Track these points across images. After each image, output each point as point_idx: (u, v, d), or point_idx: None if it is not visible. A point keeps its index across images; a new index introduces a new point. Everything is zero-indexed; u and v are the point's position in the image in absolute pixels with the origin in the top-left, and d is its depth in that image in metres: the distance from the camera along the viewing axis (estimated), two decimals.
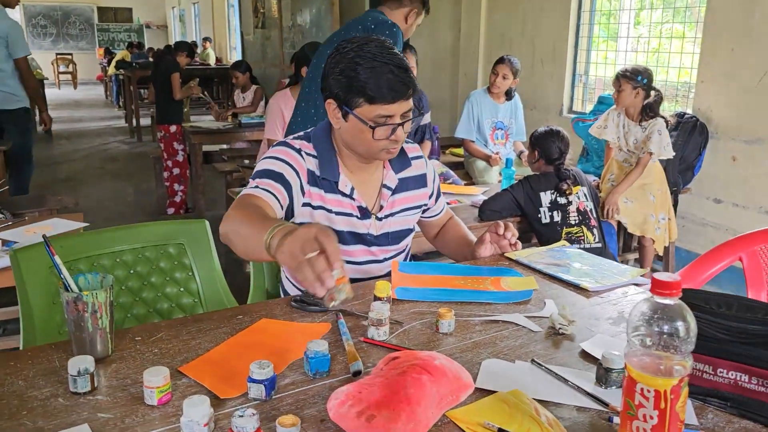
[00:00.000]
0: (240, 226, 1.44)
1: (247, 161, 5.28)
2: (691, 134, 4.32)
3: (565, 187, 3.46)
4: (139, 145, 10.07)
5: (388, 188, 1.89)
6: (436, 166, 4.63)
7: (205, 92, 7.73)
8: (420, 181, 1.98)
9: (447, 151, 5.70)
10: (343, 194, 1.81)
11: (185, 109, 7.22)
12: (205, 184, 6.02)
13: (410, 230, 1.98)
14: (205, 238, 1.97)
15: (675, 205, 4.35)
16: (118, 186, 7.49)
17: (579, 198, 3.53)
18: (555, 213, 3.46)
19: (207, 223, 1.98)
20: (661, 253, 4.28)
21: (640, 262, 4.24)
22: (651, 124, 3.94)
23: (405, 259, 1.98)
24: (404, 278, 1.76)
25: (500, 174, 4.74)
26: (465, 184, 4.60)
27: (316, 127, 1.88)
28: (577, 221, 3.49)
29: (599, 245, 3.52)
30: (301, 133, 1.86)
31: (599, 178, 4.48)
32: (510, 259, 1.95)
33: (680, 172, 4.35)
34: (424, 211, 2.05)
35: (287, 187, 1.72)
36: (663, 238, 4.12)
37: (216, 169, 5.75)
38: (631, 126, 4.02)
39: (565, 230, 3.46)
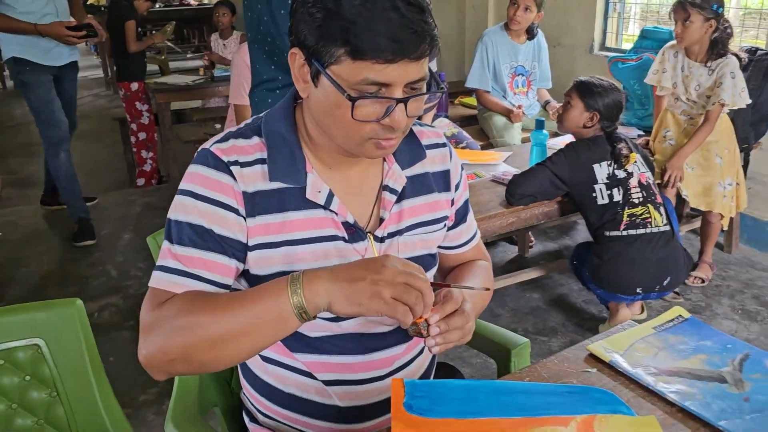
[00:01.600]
0: (210, 322, 0.97)
1: (218, 125, 4.43)
2: (766, 76, 3.43)
3: (624, 154, 2.62)
4: (116, 99, 9.15)
5: (392, 191, 1.17)
6: (445, 126, 3.79)
7: (174, 39, 6.69)
8: (441, 181, 1.26)
9: (456, 101, 4.82)
10: (315, 206, 1.10)
11: (161, 57, 6.29)
12: (177, 150, 5.17)
13: (432, 258, 1.23)
14: (77, 330, 1.16)
15: (745, 166, 3.50)
16: (86, 150, 6.63)
17: (638, 168, 2.70)
18: (615, 191, 2.63)
19: (80, 304, 1.17)
20: (726, 227, 3.46)
21: (702, 242, 3.43)
22: (720, 64, 3.06)
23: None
24: (412, 425, 0.96)
25: (523, 134, 3.89)
26: (481, 147, 3.76)
27: (275, 107, 1.15)
28: (641, 199, 2.67)
29: (667, 228, 2.72)
30: (245, 124, 1.15)
31: (643, 131, 3.65)
32: (596, 359, 1.14)
33: (751, 125, 3.48)
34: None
35: (227, 248, 1.07)
36: (730, 209, 3.29)
37: (180, 138, 4.88)
38: (693, 68, 3.14)
39: (626, 212, 2.64)
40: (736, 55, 3.11)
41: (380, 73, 0.95)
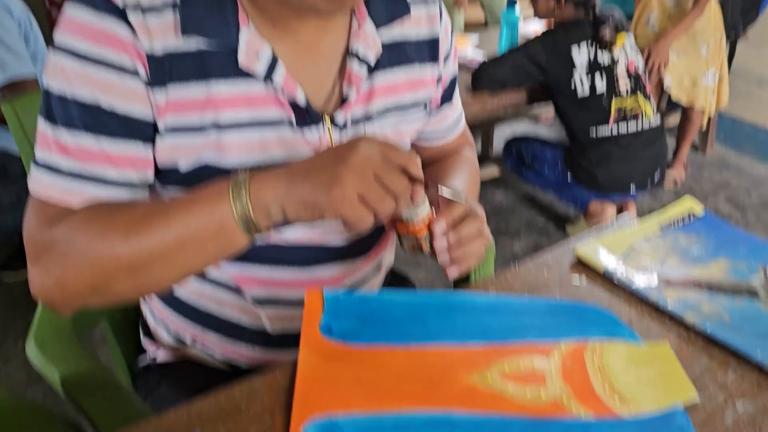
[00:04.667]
0: (125, 243, 0.68)
1: None
2: None
3: (606, 34, 2.27)
4: None
5: (362, 61, 0.83)
6: None
7: None
8: (426, 50, 0.91)
9: None
10: (251, 76, 0.76)
11: None
12: None
13: None
14: None
15: (730, 58, 3.21)
16: None
17: (627, 53, 2.37)
18: (597, 78, 2.30)
19: None
20: (705, 127, 3.21)
21: (678, 141, 3.18)
22: None
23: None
24: (328, 354, 0.68)
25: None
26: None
27: None
28: (629, 88, 2.35)
29: (658, 124, 2.43)
30: None
31: (628, 17, 3.30)
32: (583, 264, 0.85)
33: (742, 12, 3.16)
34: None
35: (137, 132, 0.74)
36: (711, 105, 3.03)
37: None
38: None
39: (613, 104, 2.32)
40: None
41: None
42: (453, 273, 0.74)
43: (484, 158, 3.36)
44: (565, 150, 2.46)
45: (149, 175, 0.76)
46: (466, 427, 0.60)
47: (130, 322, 1.09)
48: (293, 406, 0.61)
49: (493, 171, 2.88)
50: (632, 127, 2.35)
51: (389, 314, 0.73)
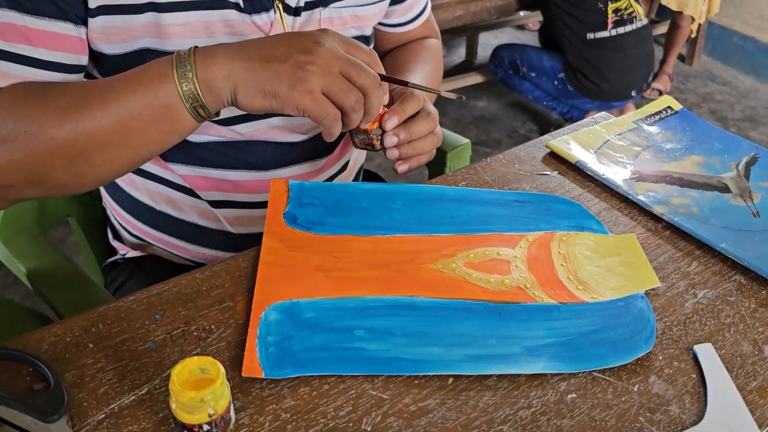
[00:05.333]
0: (59, 127, 0.62)
1: None
2: None
3: None
4: None
5: None
6: None
7: None
8: None
9: None
10: None
11: None
12: None
13: (366, 42, 0.89)
14: None
15: None
16: None
17: None
18: None
19: None
20: (695, 34, 3.15)
21: (665, 50, 3.12)
22: None
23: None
24: (292, 242, 0.67)
25: None
26: None
27: None
28: None
29: (647, 23, 2.39)
30: None
31: None
32: (558, 159, 0.84)
33: None
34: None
35: (67, 8, 0.68)
36: (701, 13, 2.96)
37: None
38: None
39: (610, 8, 2.26)
40: None
41: None
42: (402, 169, 0.73)
43: (468, 65, 3.29)
44: (564, 60, 2.41)
45: (82, 59, 0.71)
46: (428, 311, 0.60)
47: (99, 221, 1.07)
48: (255, 291, 0.60)
49: (475, 78, 2.82)
50: (629, 28, 2.31)
51: (356, 203, 0.72)
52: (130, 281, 0.94)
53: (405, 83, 0.70)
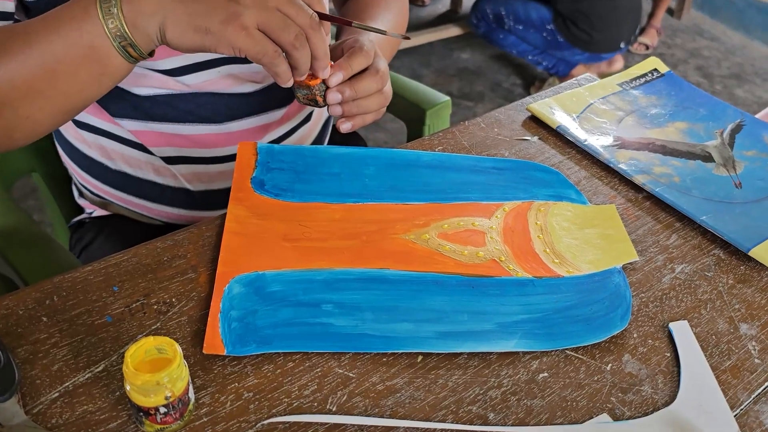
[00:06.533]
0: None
1: None
2: None
3: None
4: None
5: None
6: None
7: None
8: None
9: None
10: None
11: None
12: None
13: None
14: None
15: None
16: None
17: None
18: None
19: None
20: None
21: (654, 3, 3.06)
22: None
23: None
24: (259, 210, 0.64)
25: None
26: None
27: None
28: None
29: None
30: None
31: None
32: (539, 123, 0.81)
33: None
34: None
35: None
36: None
37: None
38: None
39: None
40: None
41: None
42: (345, 128, 0.68)
43: (452, 15, 3.21)
44: (554, 10, 2.35)
45: (7, 5, 0.65)
46: (398, 285, 0.58)
47: (64, 178, 1.03)
48: (219, 262, 0.58)
49: (460, 29, 2.76)
50: None
51: (326, 169, 0.69)
52: (96, 241, 0.91)
53: (348, 22, 0.65)
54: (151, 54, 0.60)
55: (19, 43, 0.58)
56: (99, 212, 0.92)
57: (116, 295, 0.56)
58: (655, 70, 0.91)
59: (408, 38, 0.69)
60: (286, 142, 0.86)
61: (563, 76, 2.56)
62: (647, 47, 3.04)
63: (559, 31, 2.37)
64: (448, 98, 1.10)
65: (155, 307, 0.55)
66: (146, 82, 0.74)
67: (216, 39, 0.57)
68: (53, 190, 1.03)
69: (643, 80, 0.89)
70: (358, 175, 0.69)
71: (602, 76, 2.64)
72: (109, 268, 0.58)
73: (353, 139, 1.08)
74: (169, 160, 0.81)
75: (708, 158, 0.76)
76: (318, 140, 0.94)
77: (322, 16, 0.61)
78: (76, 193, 0.97)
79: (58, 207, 1.04)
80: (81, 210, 0.97)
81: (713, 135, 0.80)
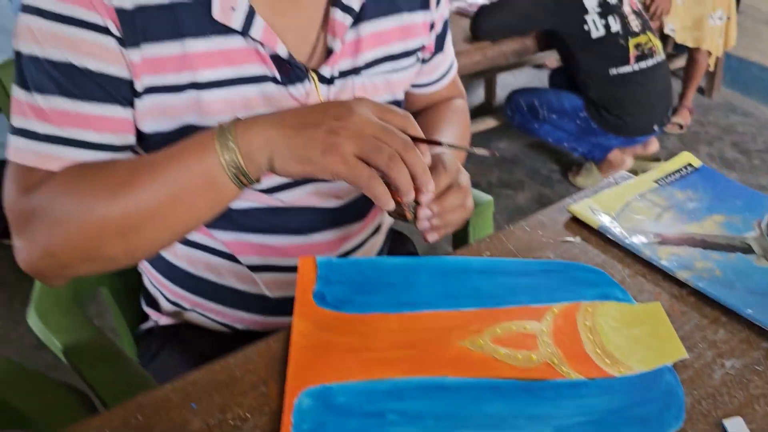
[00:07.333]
0: (112, 203, 0.67)
1: None
2: None
3: None
4: None
5: (346, 9, 0.81)
6: None
7: None
8: None
9: None
10: (228, 30, 0.74)
11: None
12: None
13: (398, 106, 0.89)
14: None
15: None
16: None
17: None
18: (611, 19, 2.27)
19: None
20: (713, 68, 3.15)
21: (684, 84, 3.13)
22: None
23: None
24: (321, 323, 0.68)
25: None
26: None
27: None
28: (640, 26, 2.34)
29: (665, 58, 2.43)
30: None
31: None
32: (580, 224, 0.85)
33: None
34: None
35: (115, 91, 0.73)
36: (718, 47, 2.97)
37: None
38: None
39: (631, 43, 2.30)
40: None
41: None
42: (431, 238, 0.74)
43: (487, 107, 3.32)
44: (585, 97, 2.43)
45: (130, 138, 0.76)
46: (458, 392, 0.61)
47: (131, 289, 1.10)
48: (287, 376, 0.62)
49: (496, 119, 2.85)
50: (650, 62, 2.34)
51: (382, 280, 0.74)
52: (164, 351, 0.96)
53: (438, 143, 0.72)
54: (258, 180, 0.67)
55: (146, 175, 0.66)
56: (165, 320, 0.98)
57: (195, 413, 0.60)
58: (689, 164, 0.95)
59: (495, 154, 0.75)
60: (359, 252, 0.94)
61: (600, 161, 2.60)
62: (681, 127, 3.08)
63: (592, 118, 2.43)
64: (490, 198, 1.15)
65: (231, 422, 0.59)
66: (246, 198, 0.82)
67: (317, 167, 0.64)
68: (120, 301, 1.10)
69: (677, 175, 0.93)
70: (413, 284, 0.73)
71: (638, 158, 2.68)
72: (187, 386, 0.63)
73: (405, 243, 1.14)
74: (254, 268, 0.88)
75: (748, 250, 0.79)
76: (383, 248, 1.01)
77: (416, 139, 0.67)
78: (144, 302, 1.03)
79: (123, 317, 1.11)
80: (146, 317, 1.03)
81: (751, 226, 0.83)
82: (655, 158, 2.74)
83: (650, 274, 0.77)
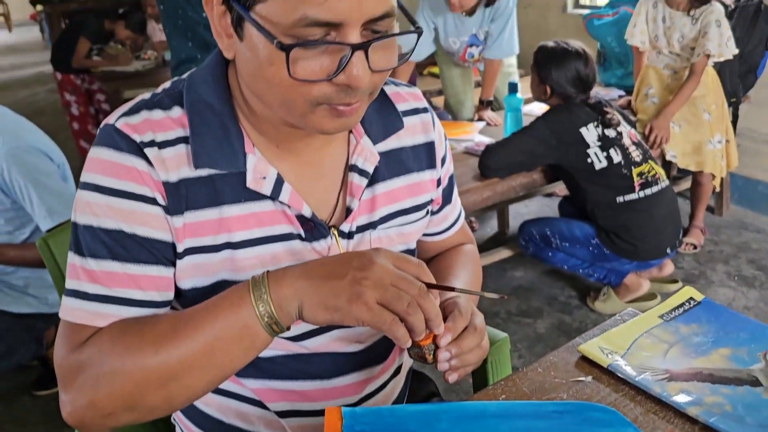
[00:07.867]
0: (153, 355, 0.74)
1: None
2: (753, 23, 3.18)
3: (610, 116, 2.41)
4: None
5: (362, 173, 0.90)
6: None
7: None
8: (423, 156, 0.98)
9: (425, 71, 4.52)
10: (259, 196, 0.84)
11: (120, 47, 5.80)
12: None
13: (411, 255, 0.96)
14: None
15: (734, 121, 3.27)
16: None
17: (625, 126, 2.50)
18: (612, 152, 2.40)
19: None
20: (719, 188, 3.24)
21: (692, 205, 3.21)
22: (704, 12, 2.82)
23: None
24: None
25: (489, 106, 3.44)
26: (451, 119, 3.48)
27: (200, 66, 0.87)
28: (641, 156, 2.46)
29: (669, 183, 2.52)
30: (162, 90, 0.86)
31: (624, 92, 3.41)
32: (591, 363, 0.89)
33: (739, 76, 3.24)
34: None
35: (158, 254, 0.82)
36: (721, 168, 3.07)
37: None
38: (675, 18, 2.89)
39: (635, 172, 2.41)
40: (721, 2, 2.88)
41: (323, 6, 0.67)
42: (452, 379, 0.79)
43: (501, 237, 3.41)
44: (595, 225, 2.51)
45: (170, 294, 0.84)
46: None
47: None
48: None
49: (510, 250, 2.92)
50: (655, 189, 2.43)
51: (403, 427, 0.77)
52: None
53: (451, 288, 0.79)
54: (288, 328, 0.74)
55: (186, 328, 0.74)
56: None
57: None
58: (692, 298, 1.00)
59: (505, 298, 0.82)
60: (381, 393, 0.98)
61: (617, 285, 2.63)
62: (695, 247, 3.13)
63: (605, 245, 2.49)
64: (505, 335, 1.19)
65: None
66: (273, 346, 0.87)
67: (343, 315, 0.71)
68: None
69: (681, 310, 0.97)
70: (434, 430, 0.77)
71: (655, 280, 2.71)
72: None
73: (427, 384, 1.18)
74: (282, 414, 0.92)
75: (756, 383, 0.82)
76: (404, 388, 1.05)
77: (430, 286, 0.74)
78: None
79: None
80: None
81: (757, 358, 0.86)
82: (672, 280, 2.76)
83: (662, 411, 0.80)
